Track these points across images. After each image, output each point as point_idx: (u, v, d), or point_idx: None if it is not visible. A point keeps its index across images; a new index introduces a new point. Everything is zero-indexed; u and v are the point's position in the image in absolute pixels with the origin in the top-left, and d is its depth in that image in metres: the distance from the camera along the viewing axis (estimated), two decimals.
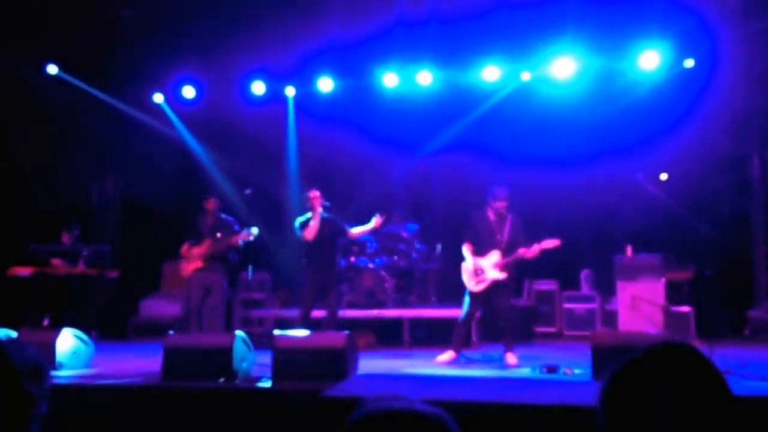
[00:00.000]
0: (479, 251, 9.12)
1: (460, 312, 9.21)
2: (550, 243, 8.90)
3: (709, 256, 11.22)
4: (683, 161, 11.84)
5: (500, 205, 9.09)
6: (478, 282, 9.00)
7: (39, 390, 2.13)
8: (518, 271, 9.49)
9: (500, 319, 9.08)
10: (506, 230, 9.11)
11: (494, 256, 9.00)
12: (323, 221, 9.92)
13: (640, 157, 11.92)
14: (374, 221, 10.09)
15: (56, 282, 11.31)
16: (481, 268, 8.99)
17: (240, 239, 9.97)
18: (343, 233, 10.17)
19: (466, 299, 9.12)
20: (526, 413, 5.51)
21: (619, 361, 1.76)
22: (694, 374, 1.69)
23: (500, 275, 8.93)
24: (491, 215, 9.18)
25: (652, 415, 1.65)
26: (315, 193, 10.00)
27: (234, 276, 10.77)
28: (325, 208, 10.00)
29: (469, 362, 9.02)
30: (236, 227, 10.30)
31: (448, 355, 9.01)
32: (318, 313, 10.07)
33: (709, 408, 1.64)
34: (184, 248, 10.33)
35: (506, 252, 8.97)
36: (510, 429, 5.45)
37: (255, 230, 9.93)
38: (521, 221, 9.24)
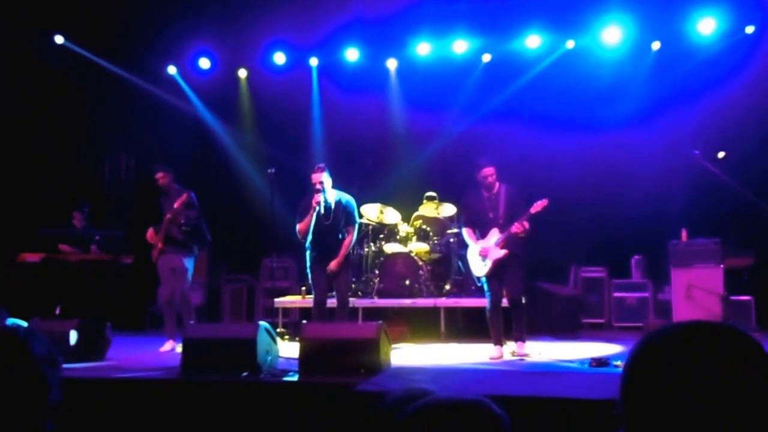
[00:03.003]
0: (480, 233, 9.15)
1: (486, 303, 9.22)
2: (538, 205, 8.78)
3: None
4: (744, 137, 11.73)
5: (484, 174, 9.04)
6: (484, 265, 9.02)
7: (53, 378, 2.23)
8: (529, 247, 9.30)
9: (509, 304, 9.07)
10: (501, 204, 9.06)
11: (494, 234, 8.99)
12: (328, 208, 9.54)
13: (696, 132, 11.83)
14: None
15: (67, 269, 11.45)
16: (484, 250, 9.01)
17: (176, 209, 9.86)
18: (345, 228, 9.71)
19: (485, 287, 9.15)
20: (573, 408, 5.54)
21: (646, 339, 1.69)
22: (737, 357, 1.59)
23: (500, 253, 8.88)
24: (484, 192, 9.14)
25: (682, 399, 1.57)
26: (316, 175, 9.54)
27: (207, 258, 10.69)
28: (323, 187, 9.50)
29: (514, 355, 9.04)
30: (192, 202, 10.17)
31: (496, 351, 9.02)
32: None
33: (754, 393, 1.55)
34: (150, 233, 10.33)
35: (504, 227, 8.93)
36: (556, 424, 5.48)
37: (189, 194, 9.89)
38: (517, 189, 9.16)
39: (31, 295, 11.21)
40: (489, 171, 9.03)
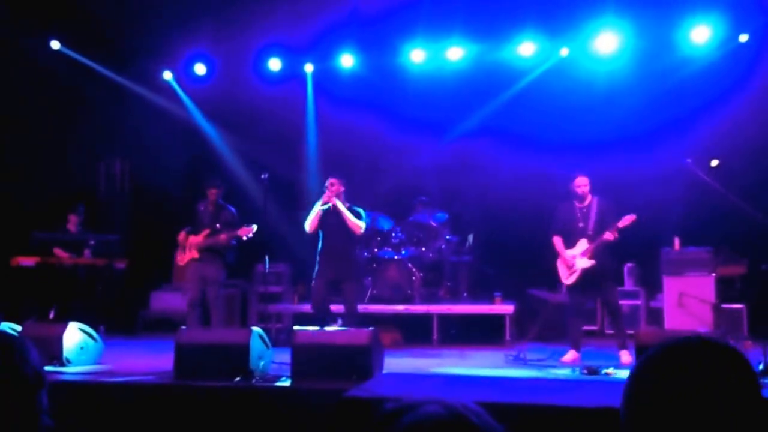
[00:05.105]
0: (568, 243, 9.30)
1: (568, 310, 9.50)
2: (626, 220, 8.99)
3: (764, 250, 11.15)
4: (737, 145, 11.75)
5: (577, 184, 9.25)
6: (570, 274, 9.16)
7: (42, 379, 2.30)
8: (616, 256, 9.60)
9: (608, 314, 9.23)
10: (592, 216, 9.24)
11: (582, 244, 9.17)
12: (335, 211, 9.84)
13: (689, 140, 11.85)
14: None
15: (62, 273, 11.45)
16: (572, 260, 9.13)
17: (238, 235, 10.09)
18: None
19: (567, 294, 9.45)
20: (563, 416, 5.54)
21: (644, 358, 1.81)
22: (725, 372, 1.71)
23: (589, 263, 9.07)
24: (576, 203, 9.33)
25: (676, 410, 1.68)
26: (329, 181, 9.94)
27: (231, 269, 10.95)
28: (335, 189, 9.86)
29: (524, 361, 9.04)
30: (236, 221, 10.44)
31: (570, 354, 9.11)
32: (336, 308, 10.13)
33: (739, 408, 1.67)
34: (181, 236, 10.56)
35: (593, 238, 9.11)
36: None
37: (255, 227, 10.05)
38: (609, 202, 9.36)
39: (26, 299, 11.20)
40: (582, 181, 9.27)
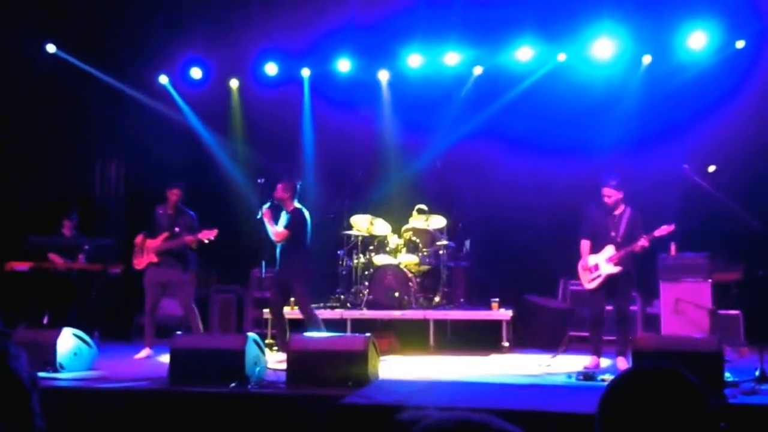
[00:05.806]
0: (594, 247, 9.29)
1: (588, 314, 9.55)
2: (664, 230, 8.99)
3: (760, 255, 11.15)
4: (734, 151, 11.76)
5: (605, 193, 9.21)
6: (592, 279, 9.18)
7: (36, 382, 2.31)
8: (637, 268, 9.57)
9: (616, 319, 9.23)
10: (623, 225, 9.23)
11: (609, 250, 9.15)
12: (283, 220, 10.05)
13: (685, 145, 11.85)
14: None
15: (56, 278, 11.43)
16: (596, 264, 9.16)
17: (199, 238, 10.15)
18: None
19: (589, 299, 9.44)
20: (559, 422, 5.54)
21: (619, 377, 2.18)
22: (678, 395, 2.04)
23: (614, 269, 9.07)
24: (608, 209, 9.31)
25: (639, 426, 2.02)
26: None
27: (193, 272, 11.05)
28: (278, 202, 10.07)
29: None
30: (196, 224, 10.48)
31: (591, 360, 9.14)
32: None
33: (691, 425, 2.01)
34: (138, 239, 10.56)
35: (621, 246, 9.10)
36: None
37: (216, 231, 10.12)
38: (640, 215, 9.33)
39: (20, 304, 11.18)
40: (608, 192, 9.21)
